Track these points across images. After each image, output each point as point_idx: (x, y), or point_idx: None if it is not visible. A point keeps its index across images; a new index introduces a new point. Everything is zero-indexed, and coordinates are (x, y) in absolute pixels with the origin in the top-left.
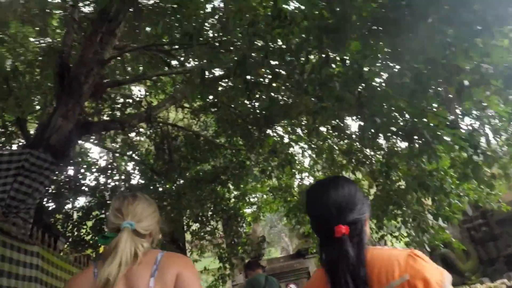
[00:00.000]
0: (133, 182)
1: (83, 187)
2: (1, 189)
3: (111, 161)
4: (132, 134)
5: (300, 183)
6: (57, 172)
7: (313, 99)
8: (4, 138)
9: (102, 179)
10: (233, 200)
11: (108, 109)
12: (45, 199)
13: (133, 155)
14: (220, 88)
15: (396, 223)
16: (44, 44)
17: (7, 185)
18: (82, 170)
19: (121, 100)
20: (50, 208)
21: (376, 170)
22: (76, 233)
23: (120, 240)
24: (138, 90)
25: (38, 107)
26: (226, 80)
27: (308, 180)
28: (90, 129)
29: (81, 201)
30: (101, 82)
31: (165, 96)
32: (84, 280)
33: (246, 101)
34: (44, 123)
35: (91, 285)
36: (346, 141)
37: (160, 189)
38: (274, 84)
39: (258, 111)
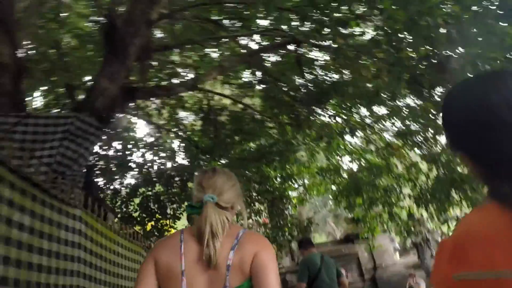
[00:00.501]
0: (178, 160)
1: (130, 163)
2: (48, 153)
3: (157, 137)
4: (179, 110)
5: (350, 166)
6: (103, 138)
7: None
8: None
9: (148, 156)
10: (278, 180)
11: (154, 76)
12: (95, 174)
13: (179, 132)
14: (269, 62)
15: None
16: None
17: (54, 149)
18: (130, 146)
19: (168, 67)
20: (99, 184)
21: (436, 153)
22: (124, 209)
23: (208, 213)
24: (185, 59)
25: (88, 78)
26: (276, 54)
27: (358, 163)
28: (136, 94)
29: (129, 177)
30: (148, 44)
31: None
32: (171, 244)
33: (296, 77)
34: (90, 87)
35: (177, 249)
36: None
37: (204, 167)
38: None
39: (309, 87)
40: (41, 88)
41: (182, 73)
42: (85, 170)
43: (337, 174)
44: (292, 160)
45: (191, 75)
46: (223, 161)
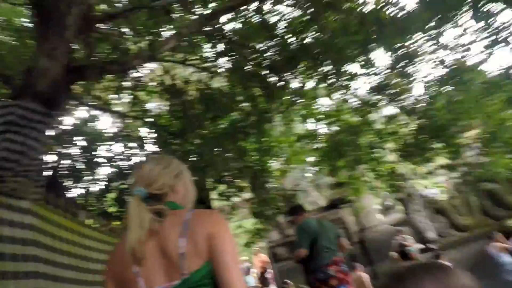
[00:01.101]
0: (149, 148)
1: (98, 159)
2: None
3: (122, 126)
4: (140, 93)
5: (329, 129)
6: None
7: None
8: None
9: (117, 149)
10: (256, 155)
11: (104, 52)
12: (60, 174)
13: (144, 118)
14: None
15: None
16: None
17: None
18: (94, 141)
19: (118, 39)
20: (66, 185)
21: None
22: (99, 206)
23: (129, 209)
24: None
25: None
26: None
27: (336, 124)
28: (85, 73)
29: (99, 173)
30: (89, 13)
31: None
32: (120, 251)
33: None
34: (28, 68)
35: (126, 253)
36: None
37: (179, 152)
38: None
39: (276, 52)
40: None
41: (134, 45)
42: (41, 164)
43: (316, 139)
44: (268, 131)
45: (145, 47)
46: (196, 142)
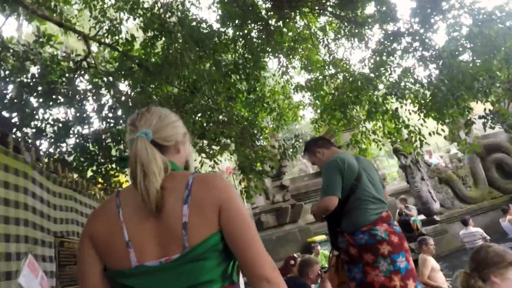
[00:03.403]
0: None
1: (53, 94)
2: None
3: (85, 53)
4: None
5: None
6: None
7: None
8: None
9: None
10: (246, 107)
11: None
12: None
13: (115, 45)
14: None
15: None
16: None
17: None
18: (49, 69)
19: None
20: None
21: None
22: (54, 152)
23: (137, 149)
24: None
25: None
26: None
27: (342, 74)
28: None
29: (56, 112)
30: None
31: None
32: (106, 213)
33: None
34: None
35: (115, 217)
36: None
37: (155, 97)
38: None
39: None
40: None
41: None
42: None
43: (317, 91)
44: (262, 79)
45: None
46: (176, 85)
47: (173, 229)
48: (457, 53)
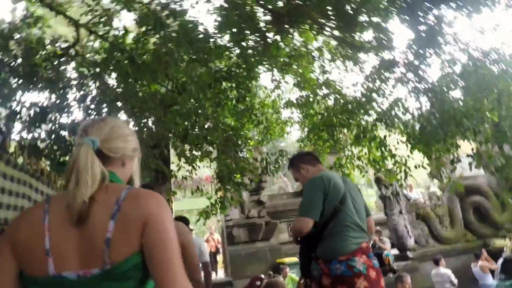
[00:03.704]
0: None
1: (34, 77)
2: None
3: (74, 40)
4: None
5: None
6: None
7: None
8: None
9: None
10: (233, 117)
11: None
12: None
13: (105, 35)
14: None
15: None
16: None
17: None
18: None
19: None
20: None
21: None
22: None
23: (78, 156)
24: None
25: None
26: None
27: (335, 96)
28: None
29: (34, 96)
30: None
31: None
32: (31, 218)
33: None
34: None
35: (39, 223)
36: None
37: (141, 93)
38: None
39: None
40: None
41: None
42: None
43: (307, 109)
44: (253, 89)
45: None
46: (164, 84)
47: (95, 243)
48: (449, 89)
